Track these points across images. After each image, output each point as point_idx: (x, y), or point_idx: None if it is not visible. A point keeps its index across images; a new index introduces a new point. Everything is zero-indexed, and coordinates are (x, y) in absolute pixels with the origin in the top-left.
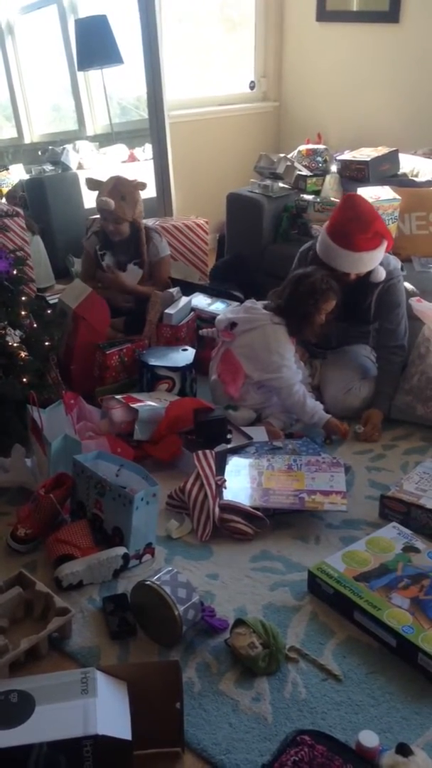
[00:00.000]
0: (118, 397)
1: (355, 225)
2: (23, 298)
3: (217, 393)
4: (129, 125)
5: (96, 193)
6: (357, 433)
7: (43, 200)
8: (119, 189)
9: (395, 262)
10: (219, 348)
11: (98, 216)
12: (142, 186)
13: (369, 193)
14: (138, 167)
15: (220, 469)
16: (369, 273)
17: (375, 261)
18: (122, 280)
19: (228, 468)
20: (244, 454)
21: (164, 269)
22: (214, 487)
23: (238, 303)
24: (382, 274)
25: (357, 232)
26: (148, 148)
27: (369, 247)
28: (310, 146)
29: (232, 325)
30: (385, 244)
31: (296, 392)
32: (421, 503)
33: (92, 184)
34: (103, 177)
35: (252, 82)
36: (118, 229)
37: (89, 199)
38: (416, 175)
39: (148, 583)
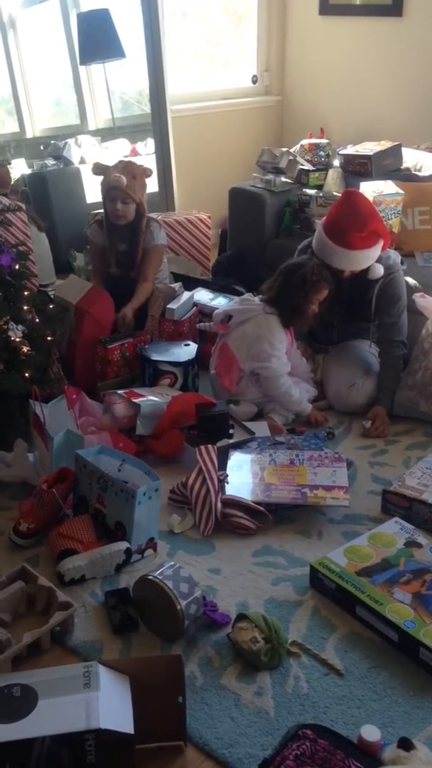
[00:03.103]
0: (120, 392)
1: (351, 222)
2: (26, 293)
3: (217, 387)
4: (131, 119)
5: (101, 178)
6: (366, 429)
7: (45, 195)
8: (130, 169)
9: (395, 257)
10: (218, 342)
11: (100, 210)
12: (149, 171)
13: (372, 187)
14: (140, 162)
15: (222, 464)
16: (366, 270)
17: (369, 260)
18: (135, 304)
19: (230, 463)
20: (246, 449)
21: (154, 259)
22: (216, 482)
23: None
24: (379, 272)
25: (352, 229)
26: (150, 142)
27: (363, 246)
28: (313, 140)
29: (229, 317)
30: (381, 244)
31: (282, 384)
32: (424, 498)
33: (99, 168)
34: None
35: (254, 76)
36: (126, 211)
37: (91, 193)
38: (419, 170)
39: (150, 577)
